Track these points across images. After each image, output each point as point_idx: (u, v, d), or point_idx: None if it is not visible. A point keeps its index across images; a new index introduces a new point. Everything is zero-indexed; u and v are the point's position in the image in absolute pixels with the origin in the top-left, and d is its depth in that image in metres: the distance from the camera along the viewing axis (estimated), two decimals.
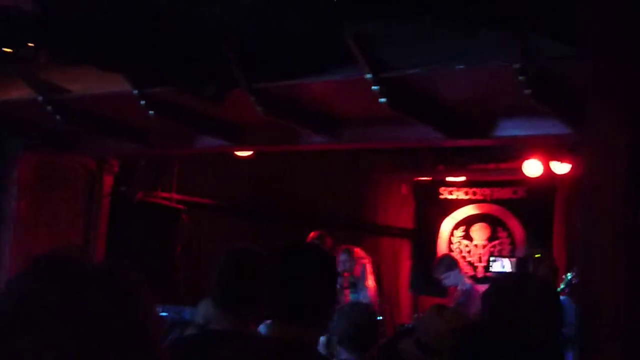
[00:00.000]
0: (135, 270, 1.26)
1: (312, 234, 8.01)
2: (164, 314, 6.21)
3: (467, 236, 10.53)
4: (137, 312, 1.22)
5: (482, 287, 8.45)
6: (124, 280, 1.24)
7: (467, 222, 10.57)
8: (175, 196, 8.67)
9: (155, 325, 1.27)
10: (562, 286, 6.51)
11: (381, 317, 7.34)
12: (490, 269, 9.00)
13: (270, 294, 2.64)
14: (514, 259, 8.36)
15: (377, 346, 4.50)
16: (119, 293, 1.21)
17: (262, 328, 4.92)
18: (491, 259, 8.81)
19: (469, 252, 10.46)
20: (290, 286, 2.59)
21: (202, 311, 3.29)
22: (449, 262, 8.18)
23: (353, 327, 4.13)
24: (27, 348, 1.13)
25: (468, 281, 8.18)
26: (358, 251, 7.97)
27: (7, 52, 5.02)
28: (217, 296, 3.17)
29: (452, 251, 10.32)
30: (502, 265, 8.48)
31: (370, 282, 7.92)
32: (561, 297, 4.54)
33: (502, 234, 10.27)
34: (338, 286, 6.97)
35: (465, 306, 7.52)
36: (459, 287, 8.02)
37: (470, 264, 10.37)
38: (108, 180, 8.11)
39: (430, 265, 8.43)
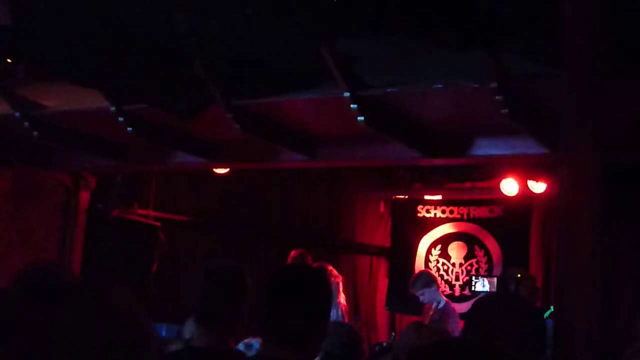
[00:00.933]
0: (124, 287, 1.25)
1: (293, 253, 7.98)
2: None
3: (445, 255, 10.53)
4: (128, 329, 1.20)
5: (459, 306, 8.48)
6: (115, 297, 1.22)
7: (444, 241, 10.56)
8: (153, 213, 8.63)
9: (152, 344, 1.25)
10: (552, 308, 6.49)
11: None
12: (474, 288, 9.00)
13: (265, 316, 2.58)
14: (494, 279, 8.36)
15: None
16: (109, 310, 1.20)
17: (241, 346, 4.90)
18: (473, 278, 8.81)
19: (446, 270, 10.46)
20: (284, 309, 2.55)
21: (190, 327, 3.28)
22: (427, 279, 8.16)
23: (336, 346, 4.11)
24: None
25: (444, 299, 8.18)
26: (331, 269, 7.96)
27: None
28: (197, 314, 3.15)
29: (430, 269, 10.30)
30: (483, 285, 8.48)
31: (342, 299, 7.92)
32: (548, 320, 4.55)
33: (479, 252, 10.27)
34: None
35: (439, 324, 7.51)
36: (433, 305, 8.01)
37: (448, 282, 10.36)
38: (84, 197, 8.07)
39: (407, 283, 8.42)
